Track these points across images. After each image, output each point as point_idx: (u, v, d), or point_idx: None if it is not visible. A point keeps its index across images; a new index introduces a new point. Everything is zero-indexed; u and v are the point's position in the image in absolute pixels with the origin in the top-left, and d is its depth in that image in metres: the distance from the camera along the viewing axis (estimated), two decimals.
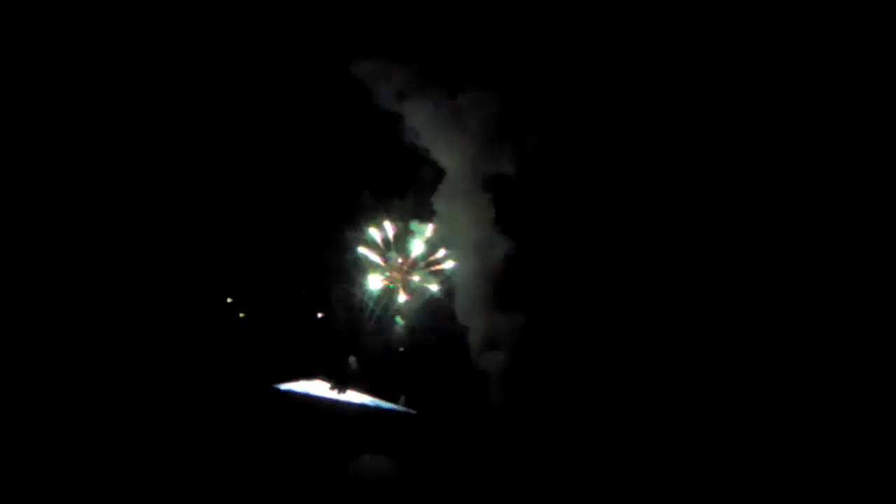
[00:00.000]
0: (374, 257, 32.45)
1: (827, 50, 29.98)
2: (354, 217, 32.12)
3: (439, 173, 31.43)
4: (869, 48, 29.56)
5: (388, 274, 32.38)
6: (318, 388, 32.17)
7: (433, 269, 32.30)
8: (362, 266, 32.25)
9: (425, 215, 31.92)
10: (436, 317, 31.93)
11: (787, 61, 30.50)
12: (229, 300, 32.57)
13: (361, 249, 32.33)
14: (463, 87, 30.91)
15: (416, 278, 31.96)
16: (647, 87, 31.32)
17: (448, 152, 31.18)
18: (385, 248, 32.49)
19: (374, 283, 32.27)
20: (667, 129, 31.43)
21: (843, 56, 29.94)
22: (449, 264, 32.14)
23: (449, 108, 30.99)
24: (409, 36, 30.85)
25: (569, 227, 31.30)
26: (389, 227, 32.41)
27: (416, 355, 32.06)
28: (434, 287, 31.95)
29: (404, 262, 32.37)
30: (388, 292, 32.27)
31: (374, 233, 32.45)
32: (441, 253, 32.30)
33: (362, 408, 32.01)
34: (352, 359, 31.98)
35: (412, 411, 32.22)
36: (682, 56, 30.95)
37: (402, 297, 32.21)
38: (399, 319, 32.04)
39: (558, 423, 31.04)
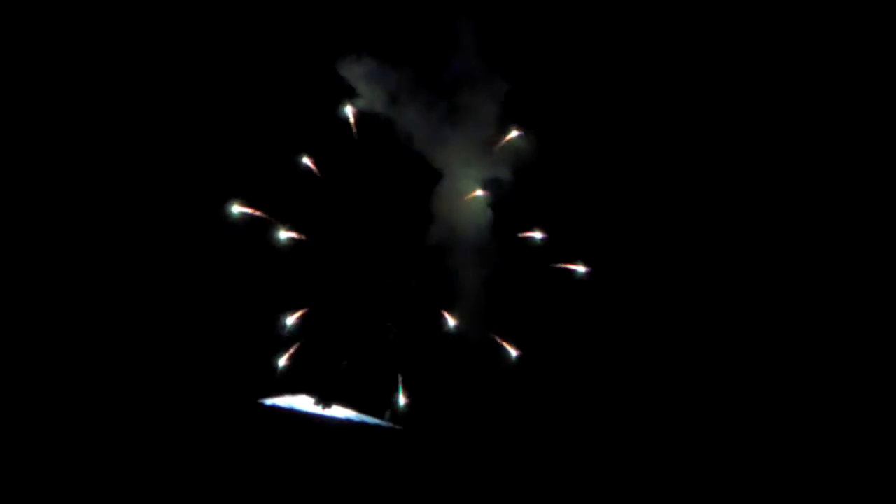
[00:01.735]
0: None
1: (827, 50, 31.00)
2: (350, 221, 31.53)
3: (436, 176, 31.17)
4: (869, 48, 30.68)
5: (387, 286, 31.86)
6: (303, 402, 31.20)
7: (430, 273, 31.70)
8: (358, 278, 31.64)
9: (422, 219, 31.32)
10: (431, 323, 31.17)
11: (788, 61, 31.40)
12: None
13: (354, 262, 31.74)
14: (459, 88, 30.87)
15: (415, 284, 31.33)
16: (646, 87, 31.84)
17: (444, 154, 30.98)
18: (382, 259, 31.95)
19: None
20: (667, 130, 31.91)
21: (843, 56, 30.98)
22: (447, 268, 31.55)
23: (444, 110, 30.85)
24: (402, 36, 30.91)
25: (569, 228, 31.14)
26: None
27: (407, 365, 31.06)
28: (431, 292, 31.26)
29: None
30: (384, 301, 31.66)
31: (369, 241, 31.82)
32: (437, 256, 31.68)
33: (347, 423, 31.08)
34: (343, 363, 31.05)
35: (398, 427, 31.21)
36: (681, 57, 31.61)
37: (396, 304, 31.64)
38: (391, 327, 31.29)
39: (558, 435, 30.75)
